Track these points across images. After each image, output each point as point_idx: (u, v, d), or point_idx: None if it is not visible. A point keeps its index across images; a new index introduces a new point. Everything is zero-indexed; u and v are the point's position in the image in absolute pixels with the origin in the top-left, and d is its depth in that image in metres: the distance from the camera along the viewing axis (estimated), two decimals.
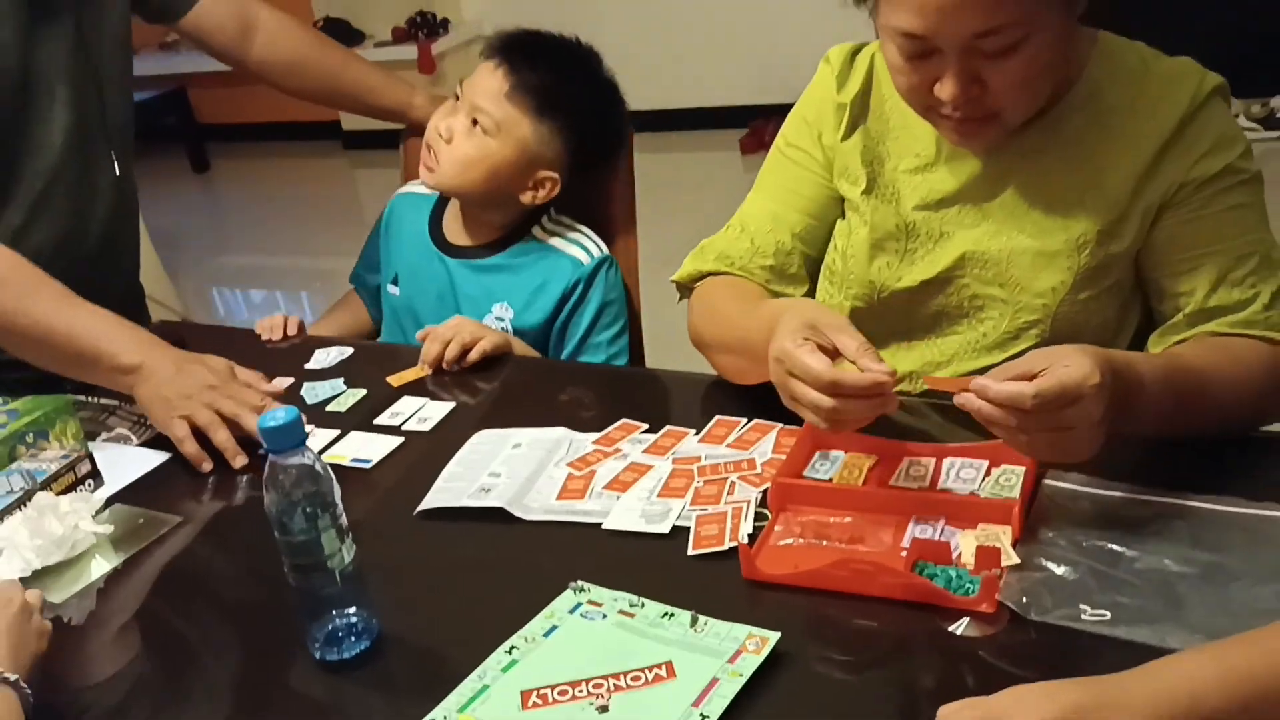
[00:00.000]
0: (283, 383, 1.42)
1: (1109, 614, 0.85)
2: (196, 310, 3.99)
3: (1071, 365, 0.88)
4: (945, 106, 1.06)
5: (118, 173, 1.58)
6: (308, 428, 1.24)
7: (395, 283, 1.68)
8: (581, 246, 1.59)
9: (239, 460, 1.27)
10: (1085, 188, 1.13)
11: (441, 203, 1.69)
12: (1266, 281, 1.08)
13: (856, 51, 1.26)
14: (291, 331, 1.61)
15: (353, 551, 0.93)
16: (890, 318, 1.24)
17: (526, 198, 1.57)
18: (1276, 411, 1.07)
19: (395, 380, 1.42)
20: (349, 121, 6.18)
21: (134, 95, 1.67)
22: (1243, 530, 0.92)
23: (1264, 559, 0.87)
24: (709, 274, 1.30)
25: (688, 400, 1.29)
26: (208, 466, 1.27)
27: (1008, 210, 1.16)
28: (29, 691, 0.86)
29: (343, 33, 5.42)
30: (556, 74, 1.53)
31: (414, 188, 1.73)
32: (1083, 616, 0.85)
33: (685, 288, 1.34)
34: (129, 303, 1.69)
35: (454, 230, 1.66)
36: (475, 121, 1.53)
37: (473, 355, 1.41)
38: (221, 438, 1.27)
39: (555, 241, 1.60)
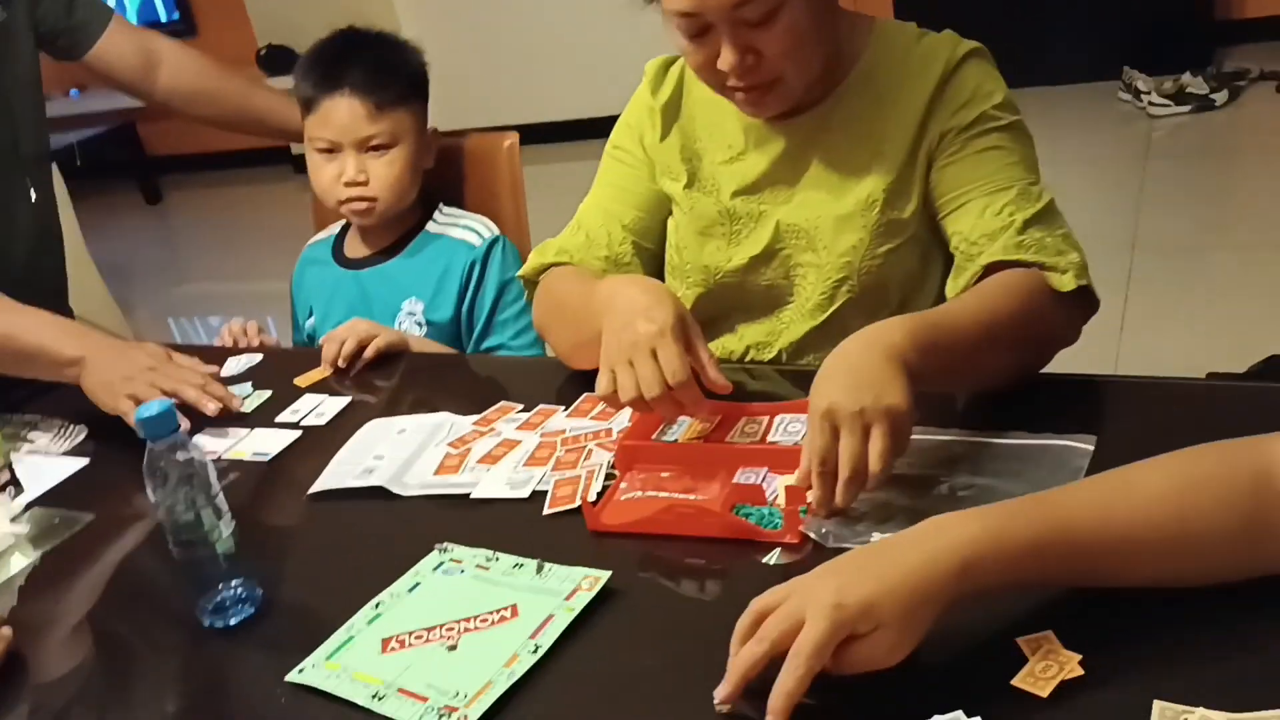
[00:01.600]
0: (214, 368, 1.51)
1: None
2: (153, 339, 4.09)
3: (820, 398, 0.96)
4: (731, 79, 1.19)
5: (33, 199, 1.69)
6: (221, 430, 1.36)
7: (310, 315, 1.79)
8: (473, 230, 1.71)
9: (213, 407, 1.40)
10: (869, 156, 1.26)
11: (341, 234, 1.81)
12: (1022, 209, 1.18)
13: (671, 63, 1.39)
14: (252, 337, 1.71)
15: (232, 527, 1.03)
16: (729, 298, 1.36)
17: (429, 163, 1.72)
18: (1048, 330, 1.16)
19: (301, 381, 1.53)
20: (299, 145, 6.29)
21: (49, 131, 1.78)
22: (1018, 458, 1.04)
23: (1031, 476, 0.99)
24: (549, 266, 1.41)
25: (563, 383, 1.40)
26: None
27: (810, 184, 1.29)
28: None
29: (285, 60, 5.51)
30: (371, 59, 1.66)
31: (315, 239, 1.87)
32: (873, 538, 0.96)
33: (531, 283, 1.45)
34: None
35: (355, 247, 1.78)
36: (374, 148, 1.65)
37: (368, 352, 1.52)
38: (192, 395, 1.39)
39: (449, 231, 1.72)
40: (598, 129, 4.66)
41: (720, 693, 0.81)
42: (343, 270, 1.77)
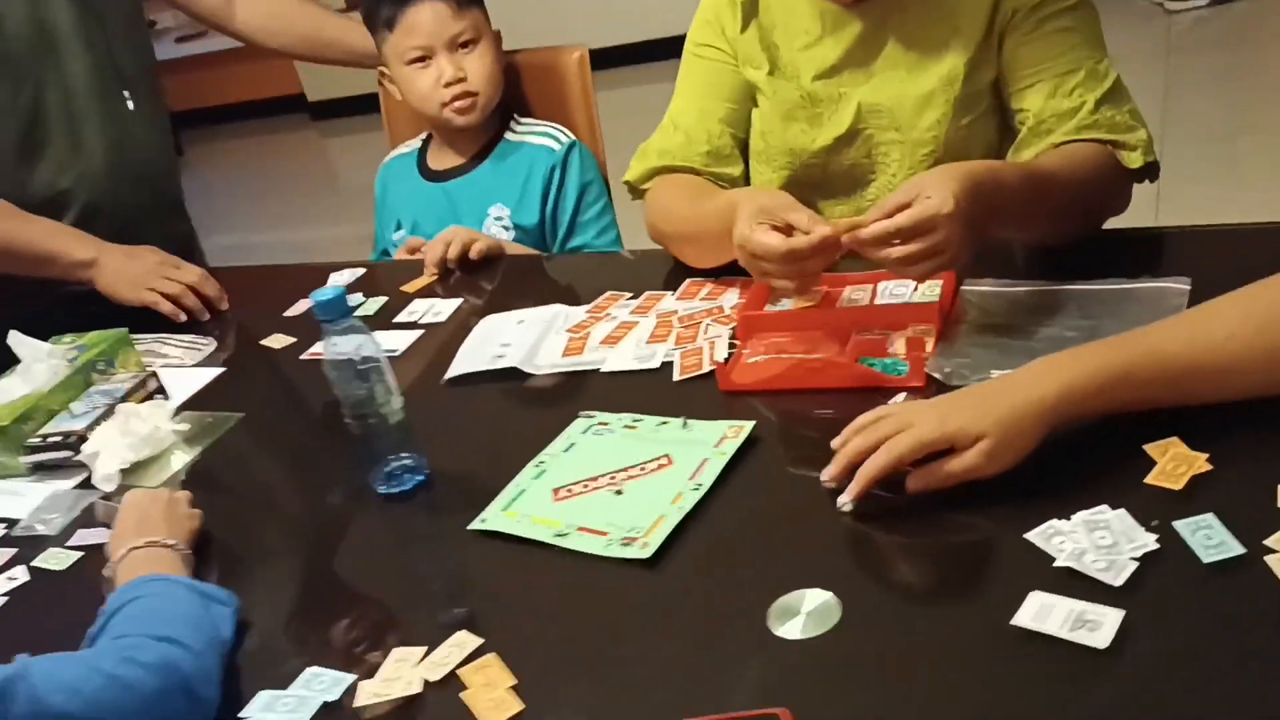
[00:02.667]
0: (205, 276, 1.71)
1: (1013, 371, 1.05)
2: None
3: (932, 196, 1.04)
4: None
5: (131, 108, 1.78)
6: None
7: (399, 228, 1.87)
8: (550, 136, 1.79)
9: (223, 303, 1.68)
10: (947, 33, 1.33)
11: (423, 150, 1.88)
12: (1091, 90, 1.26)
13: None
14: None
15: (401, 402, 1.13)
16: (813, 179, 1.43)
17: (503, 63, 1.80)
18: (1110, 200, 1.27)
19: (408, 288, 1.61)
20: (314, 92, 6.31)
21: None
22: (1118, 301, 1.12)
23: (1131, 315, 1.08)
24: (655, 170, 1.48)
25: (662, 272, 1.48)
26: (183, 318, 1.65)
27: (887, 64, 1.36)
28: (189, 553, 1.06)
29: None
30: None
31: (395, 153, 1.93)
32: (992, 375, 1.05)
33: (636, 189, 1.52)
34: (179, 226, 1.97)
35: (439, 160, 1.85)
36: (463, 45, 1.71)
37: (472, 253, 1.61)
38: (190, 302, 1.66)
39: (527, 139, 1.80)
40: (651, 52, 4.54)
41: (828, 473, 0.96)
42: (429, 183, 1.84)
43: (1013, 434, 0.91)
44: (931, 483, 0.92)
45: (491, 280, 1.61)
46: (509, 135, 1.82)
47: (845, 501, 0.94)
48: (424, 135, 1.89)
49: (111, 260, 1.67)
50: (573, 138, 1.80)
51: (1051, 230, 1.23)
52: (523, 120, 1.84)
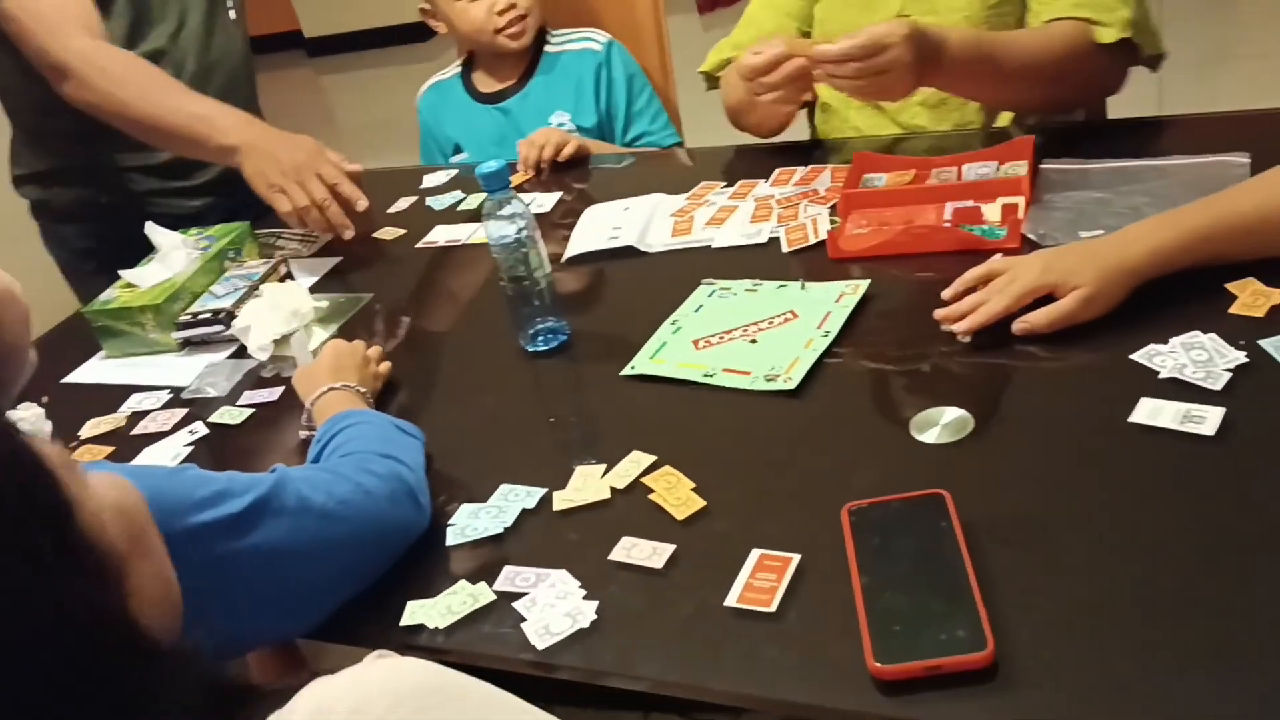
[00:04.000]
0: (357, 166, 1.68)
1: (1100, 232, 1.19)
2: None
3: (882, 25, 1.23)
4: None
5: (232, 17, 1.88)
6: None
7: (458, 151, 1.97)
8: (588, 40, 1.92)
9: (348, 233, 1.61)
10: None
11: (465, 76, 1.98)
12: None
13: None
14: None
15: (549, 267, 1.25)
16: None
17: None
18: (1086, 74, 1.41)
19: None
20: (310, 28, 6.33)
21: None
22: (1186, 173, 1.27)
23: (1199, 186, 1.22)
24: (727, 61, 1.62)
25: (746, 163, 1.61)
26: (299, 228, 1.64)
27: None
28: (372, 401, 1.19)
29: None
30: None
31: (432, 81, 2.03)
32: (1080, 235, 1.19)
33: (711, 77, 1.66)
34: None
35: (487, 83, 1.96)
36: None
37: (566, 151, 1.73)
38: (315, 218, 1.59)
39: (566, 48, 1.92)
40: None
41: (944, 313, 1.10)
42: (483, 106, 1.95)
43: (1105, 285, 1.05)
44: (1036, 325, 1.07)
45: (584, 179, 1.73)
46: (548, 49, 1.93)
47: (963, 330, 1.08)
48: (459, 62, 2.00)
49: (256, 147, 1.61)
50: (609, 37, 1.91)
51: (1013, 93, 1.42)
52: (555, 32, 1.95)
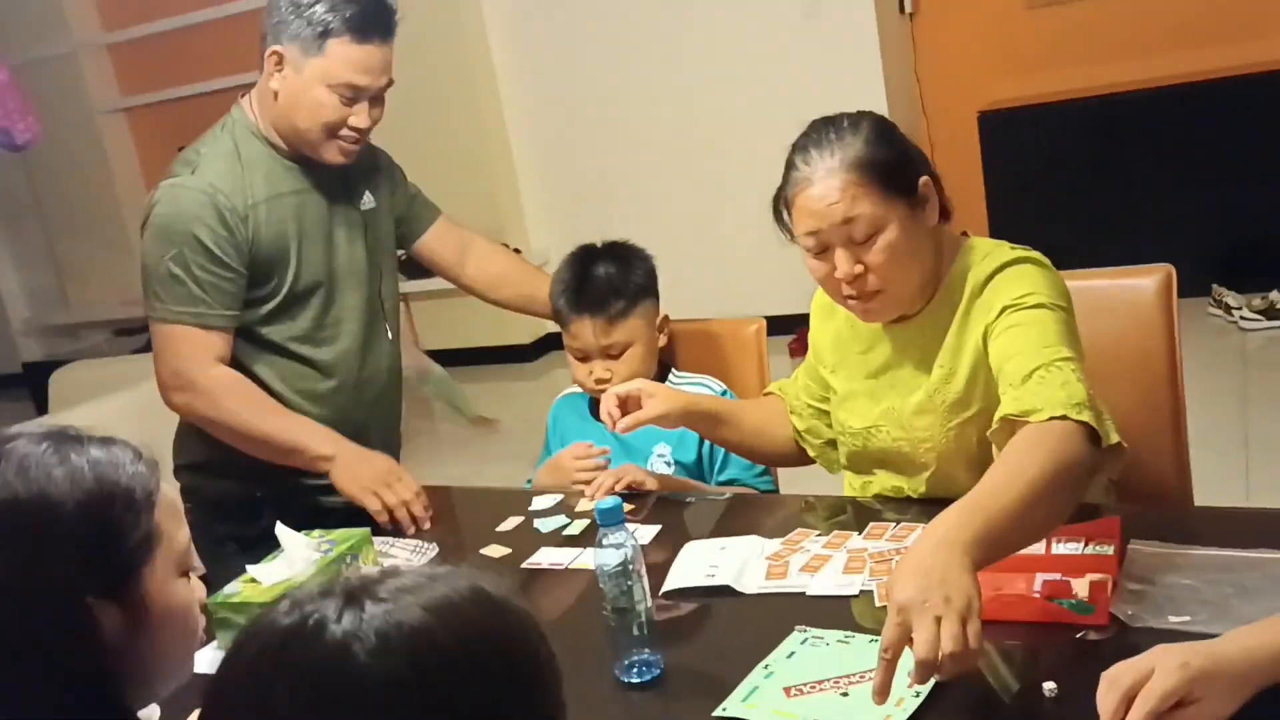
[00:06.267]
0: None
1: (1189, 618, 1.23)
2: None
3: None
4: (845, 287, 1.56)
5: (389, 337, 2.11)
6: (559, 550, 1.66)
7: None
8: (704, 386, 2.05)
9: (426, 524, 1.89)
10: (936, 352, 1.62)
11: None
12: (1029, 365, 1.43)
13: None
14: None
15: (651, 601, 1.32)
16: (866, 456, 1.73)
17: (661, 344, 2.07)
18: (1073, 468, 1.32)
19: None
20: (427, 341, 6.77)
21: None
22: (1265, 565, 1.31)
23: None
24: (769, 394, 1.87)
25: (842, 514, 1.69)
26: (390, 524, 1.89)
27: (906, 374, 1.67)
28: None
29: None
30: (603, 281, 2.01)
31: (565, 393, 2.21)
32: (1169, 619, 1.23)
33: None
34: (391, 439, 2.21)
35: None
36: (615, 357, 2.00)
37: (629, 485, 1.85)
38: (402, 515, 1.89)
39: (685, 388, 2.05)
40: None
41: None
42: (600, 425, 2.09)
43: (1236, 693, 1.04)
44: None
45: (676, 515, 1.83)
46: (669, 384, 2.07)
47: None
48: None
49: (346, 458, 1.93)
50: (723, 386, 2.06)
51: (1046, 530, 1.35)
52: (680, 374, 2.11)
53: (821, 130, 1.57)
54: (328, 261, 2.01)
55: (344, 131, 1.93)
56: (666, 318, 2.10)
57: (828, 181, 1.52)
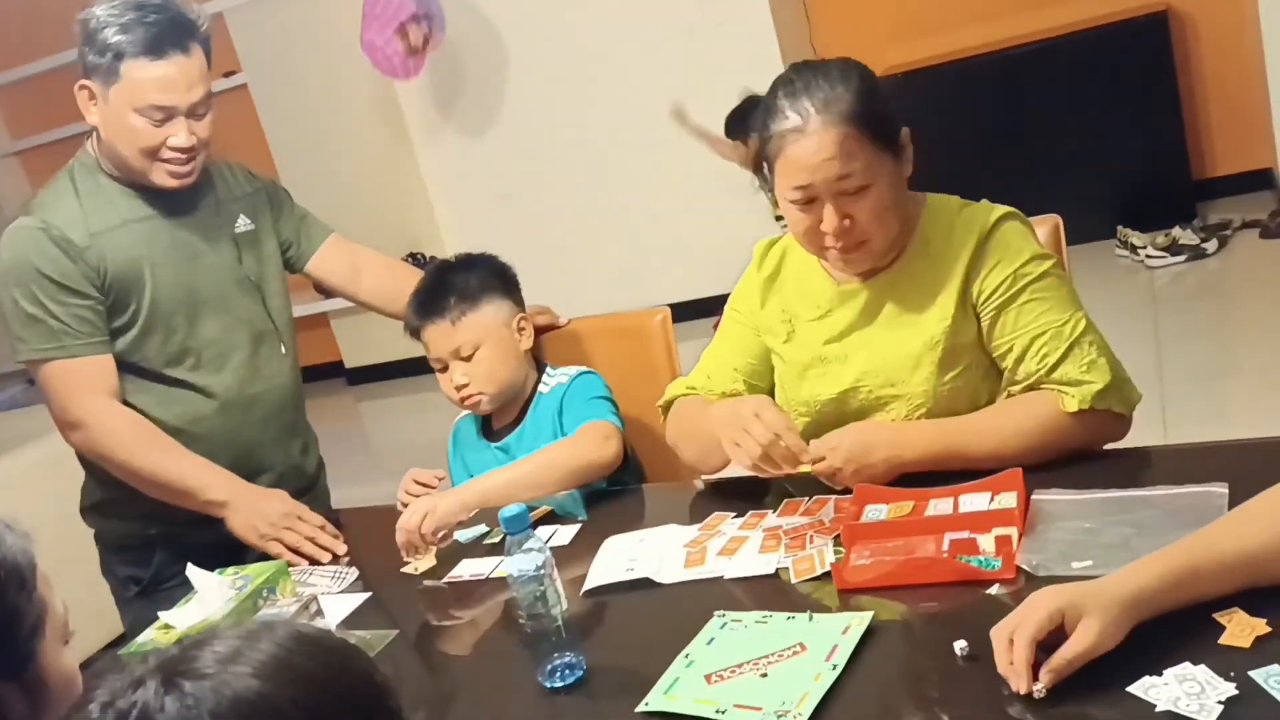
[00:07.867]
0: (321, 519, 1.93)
1: (1091, 562, 1.25)
2: None
3: (826, 445, 1.46)
4: (829, 239, 1.55)
5: (283, 352, 2.09)
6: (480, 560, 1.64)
7: None
8: (565, 374, 2.02)
9: (340, 548, 1.87)
10: (926, 305, 1.60)
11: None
12: (1054, 351, 1.51)
13: (774, 243, 1.76)
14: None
15: (566, 605, 1.31)
16: (830, 422, 1.65)
17: (526, 345, 2.02)
18: (1059, 436, 1.50)
19: None
20: (350, 359, 6.69)
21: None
22: (1169, 504, 1.33)
23: (1183, 518, 1.28)
24: (678, 397, 1.79)
25: (756, 493, 1.70)
26: (299, 562, 1.85)
27: (884, 328, 1.63)
28: None
29: None
30: (444, 285, 1.99)
31: (463, 414, 2.14)
32: (1072, 565, 1.25)
33: (664, 410, 1.82)
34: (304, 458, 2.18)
35: (500, 418, 2.06)
36: (464, 358, 1.95)
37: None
38: (309, 550, 1.86)
39: (550, 384, 2.02)
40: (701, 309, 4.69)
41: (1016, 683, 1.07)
42: (489, 444, 2.05)
43: (1111, 624, 1.07)
44: (1061, 673, 1.06)
45: (608, 514, 1.82)
46: (541, 388, 2.04)
47: (1040, 688, 1.06)
48: None
49: (242, 504, 1.89)
50: (582, 369, 2.03)
51: (995, 466, 1.47)
52: (552, 371, 2.06)
53: (809, 78, 1.52)
54: (188, 284, 1.98)
55: (166, 154, 1.88)
56: (525, 316, 2.05)
57: (823, 135, 1.49)
